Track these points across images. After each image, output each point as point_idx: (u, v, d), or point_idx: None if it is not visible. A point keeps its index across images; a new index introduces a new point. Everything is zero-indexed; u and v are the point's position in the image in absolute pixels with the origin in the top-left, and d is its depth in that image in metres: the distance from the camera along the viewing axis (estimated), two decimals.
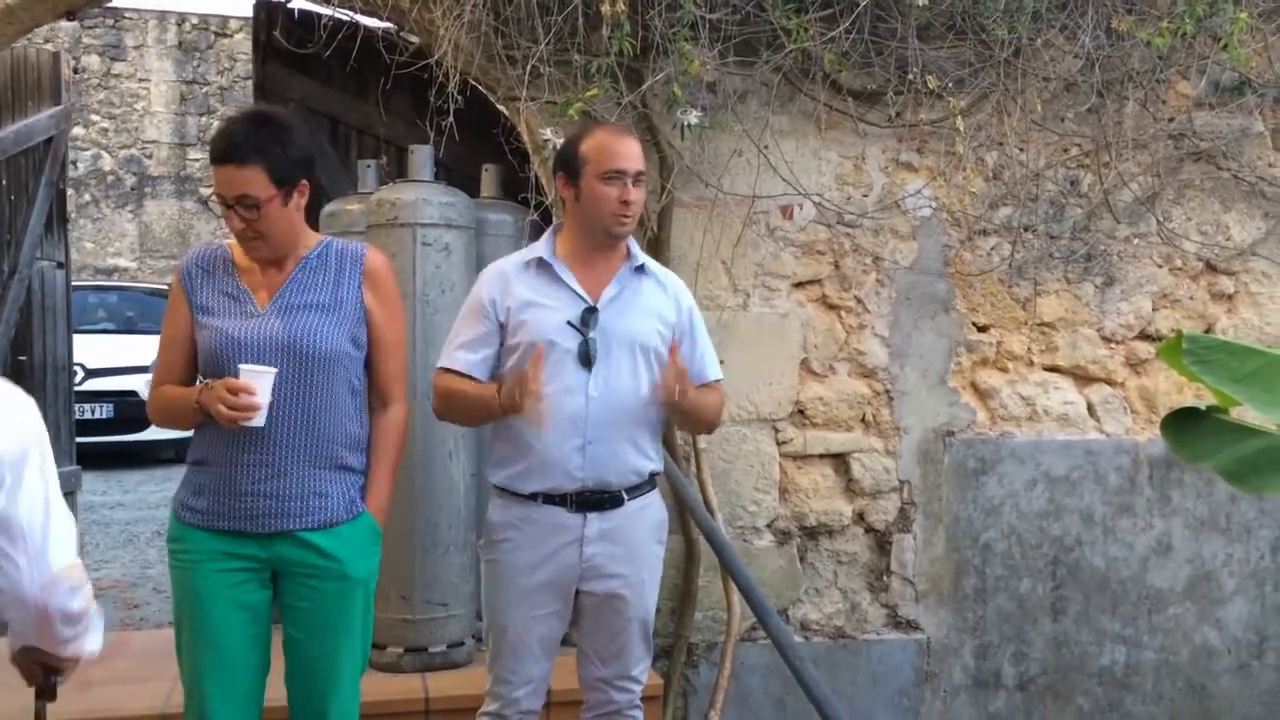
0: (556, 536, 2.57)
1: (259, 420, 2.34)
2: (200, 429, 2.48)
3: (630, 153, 2.60)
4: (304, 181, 2.46)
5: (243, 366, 2.35)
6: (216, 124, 13.78)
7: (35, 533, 1.81)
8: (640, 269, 2.69)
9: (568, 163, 2.63)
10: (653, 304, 2.67)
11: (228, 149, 2.37)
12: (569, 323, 2.57)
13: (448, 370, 2.64)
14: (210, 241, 2.57)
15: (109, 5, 4.21)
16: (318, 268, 2.52)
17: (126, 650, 3.67)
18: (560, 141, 2.94)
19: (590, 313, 2.59)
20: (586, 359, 2.56)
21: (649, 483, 2.69)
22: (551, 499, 2.57)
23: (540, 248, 2.67)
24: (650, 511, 2.69)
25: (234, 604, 2.43)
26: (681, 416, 2.76)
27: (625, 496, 2.61)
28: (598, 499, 2.58)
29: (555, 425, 2.53)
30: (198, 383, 2.51)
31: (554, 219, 3.35)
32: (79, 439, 6.10)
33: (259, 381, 2.33)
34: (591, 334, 2.57)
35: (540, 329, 2.57)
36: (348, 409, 2.51)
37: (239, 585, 2.44)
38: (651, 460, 2.68)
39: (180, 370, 2.51)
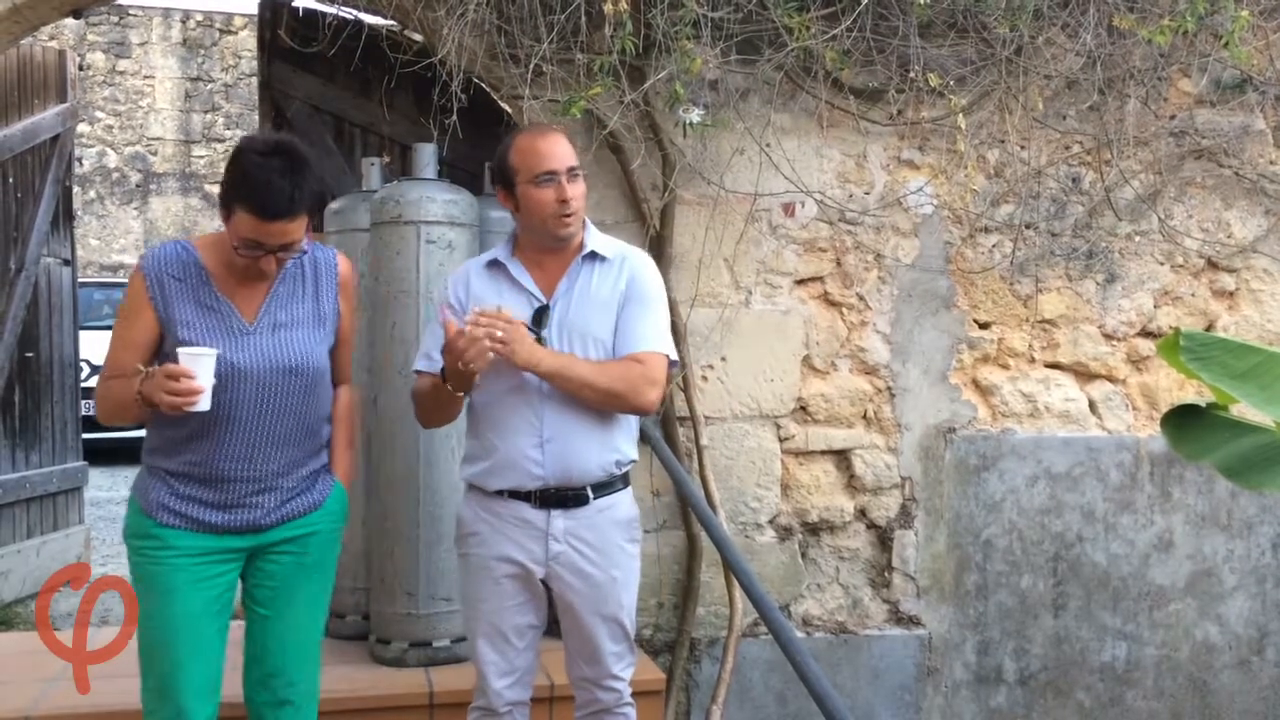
0: (522, 530, 2.57)
1: (202, 405, 2.26)
2: (178, 438, 2.41)
3: (556, 151, 2.54)
4: None
5: (181, 350, 2.28)
6: (221, 121, 13.84)
7: None
8: (591, 256, 2.62)
9: (502, 175, 2.60)
10: (602, 291, 2.60)
11: (283, 208, 2.32)
12: (524, 324, 2.54)
13: (419, 372, 2.65)
14: (172, 243, 2.48)
15: (114, 3, 4.24)
16: (296, 278, 2.53)
17: (130, 646, 3.67)
18: None
19: (543, 311, 2.58)
20: None
21: (621, 479, 2.65)
22: (516, 495, 2.57)
23: (499, 250, 2.67)
24: (619, 510, 2.64)
25: (207, 596, 2.43)
26: (549, 381, 2.54)
27: (591, 495, 2.58)
28: (561, 496, 2.57)
29: (513, 425, 2.54)
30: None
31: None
32: (86, 435, 6.11)
33: (199, 365, 2.25)
34: (545, 332, 2.56)
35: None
36: (325, 410, 2.58)
37: (214, 578, 2.44)
38: (620, 453, 2.62)
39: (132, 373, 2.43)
